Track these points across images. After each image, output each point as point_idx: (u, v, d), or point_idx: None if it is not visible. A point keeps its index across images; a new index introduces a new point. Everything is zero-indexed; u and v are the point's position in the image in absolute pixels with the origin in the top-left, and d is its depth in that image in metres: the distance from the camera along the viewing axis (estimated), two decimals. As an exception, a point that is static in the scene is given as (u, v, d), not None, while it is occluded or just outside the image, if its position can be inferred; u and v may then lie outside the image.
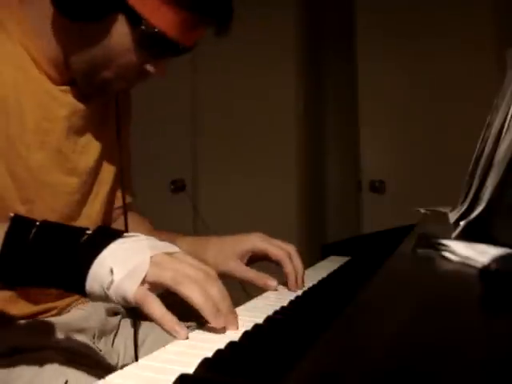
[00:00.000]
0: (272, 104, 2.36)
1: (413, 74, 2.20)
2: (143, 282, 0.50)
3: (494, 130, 0.67)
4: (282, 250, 0.75)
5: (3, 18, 0.69)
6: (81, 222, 0.79)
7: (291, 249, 0.76)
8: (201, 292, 0.49)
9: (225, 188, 2.39)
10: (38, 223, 0.54)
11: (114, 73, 0.71)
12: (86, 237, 0.53)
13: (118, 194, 0.90)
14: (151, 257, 0.51)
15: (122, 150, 0.83)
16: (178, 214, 2.38)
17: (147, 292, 0.50)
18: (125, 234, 0.54)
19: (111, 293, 0.50)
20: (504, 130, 0.63)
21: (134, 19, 0.66)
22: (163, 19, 0.66)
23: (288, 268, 0.73)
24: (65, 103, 0.74)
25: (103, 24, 0.66)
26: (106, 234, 0.54)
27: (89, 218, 0.81)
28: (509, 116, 0.63)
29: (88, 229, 0.54)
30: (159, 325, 0.48)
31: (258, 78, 2.37)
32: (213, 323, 0.49)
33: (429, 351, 0.31)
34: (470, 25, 2.11)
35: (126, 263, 0.50)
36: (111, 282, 0.49)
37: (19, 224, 0.54)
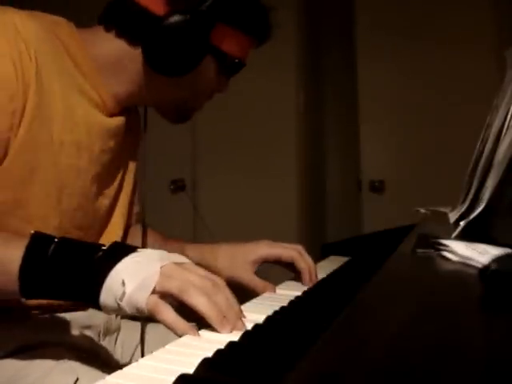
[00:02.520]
0: (272, 103, 2.35)
1: (413, 74, 2.20)
2: (153, 291, 0.51)
3: (493, 130, 0.67)
4: (293, 250, 0.80)
5: (78, 57, 0.73)
6: (104, 240, 0.83)
7: (300, 248, 0.81)
8: (207, 300, 0.51)
9: (225, 188, 2.39)
10: (56, 240, 0.57)
11: (198, 102, 0.82)
12: (101, 253, 0.55)
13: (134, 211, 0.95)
14: (161, 267, 0.53)
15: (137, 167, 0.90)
16: (178, 213, 2.38)
17: (158, 300, 0.51)
18: (138, 250, 0.56)
19: (124, 304, 0.52)
20: (504, 130, 0.63)
21: (220, 57, 0.76)
22: (238, 48, 0.77)
23: (301, 265, 0.78)
24: (102, 130, 0.77)
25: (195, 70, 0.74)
26: (120, 250, 0.56)
27: (112, 236, 0.84)
28: (509, 116, 0.63)
29: (104, 245, 0.57)
30: (172, 330, 0.50)
31: (257, 77, 2.36)
32: (220, 330, 0.50)
33: (429, 351, 0.31)
34: (470, 25, 2.11)
35: (136, 275, 0.52)
36: (123, 294, 0.51)
37: (39, 240, 0.57)
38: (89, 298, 0.54)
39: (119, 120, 0.80)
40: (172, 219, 2.31)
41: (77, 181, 0.73)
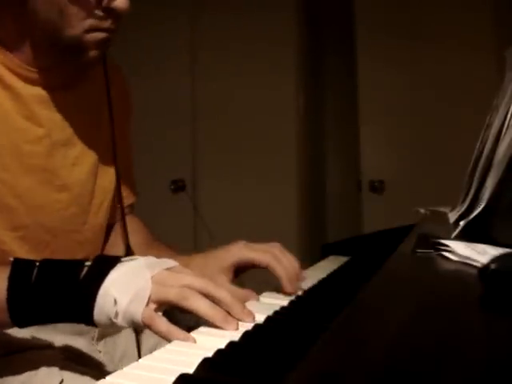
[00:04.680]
0: (272, 104, 2.35)
1: (412, 75, 2.20)
2: (148, 302, 0.51)
3: (493, 130, 0.67)
4: (268, 254, 0.70)
5: None
6: (86, 235, 0.79)
7: (277, 249, 0.71)
8: (206, 302, 0.51)
9: (225, 188, 2.39)
10: (37, 264, 0.55)
11: (76, 27, 0.64)
12: (85, 270, 0.54)
13: (124, 193, 0.88)
14: (152, 276, 0.52)
15: (116, 149, 0.81)
16: (177, 214, 2.38)
17: (153, 313, 0.51)
18: (122, 260, 0.55)
19: (119, 321, 0.51)
20: (503, 130, 0.63)
21: None
22: None
23: (278, 272, 0.68)
24: (42, 120, 0.71)
25: None
26: (105, 264, 0.54)
27: (94, 229, 0.81)
28: (508, 116, 0.63)
29: (87, 260, 0.55)
30: (167, 340, 0.49)
31: (257, 78, 2.37)
32: (226, 329, 0.50)
33: (428, 351, 0.31)
34: (469, 25, 2.11)
35: (128, 289, 0.51)
36: (117, 313, 0.51)
37: (20, 267, 0.56)
38: (81, 319, 0.54)
39: (36, 90, 0.70)
40: (172, 219, 2.31)
41: None
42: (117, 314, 0.51)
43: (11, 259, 0.56)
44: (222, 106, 2.42)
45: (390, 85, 2.25)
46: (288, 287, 0.68)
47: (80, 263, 0.55)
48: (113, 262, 0.55)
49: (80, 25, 0.64)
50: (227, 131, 2.41)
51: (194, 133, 2.45)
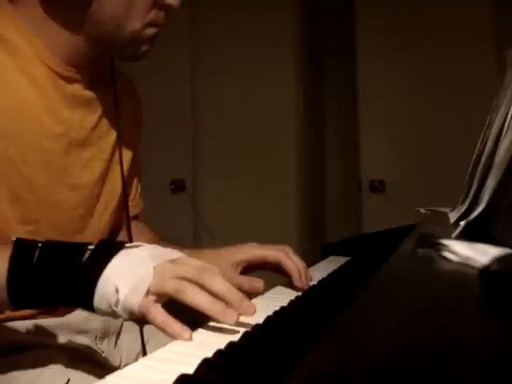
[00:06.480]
0: (272, 104, 2.36)
1: (413, 75, 2.20)
2: (148, 293, 0.51)
3: (493, 130, 0.67)
4: (279, 251, 0.75)
5: (8, 37, 0.67)
6: (87, 237, 0.79)
7: (288, 249, 0.76)
8: (205, 296, 0.50)
9: (225, 188, 2.39)
10: (40, 245, 0.55)
11: (138, 20, 0.68)
12: (88, 254, 0.53)
13: (131, 202, 0.90)
14: (154, 267, 0.52)
15: (122, 157, 0.81)
16: (178, 214, 2.38)
17: (150, 302, 0.50)
18: (126, 245, 0.55)
19: (119, 310, 0.51)
20: (504, 130, 0.63)
21: None
22: None
23: (289, 266, 0.73)
24: (62, 118, 0.72)
25: None
26: (108, 249, 0.54)
27: (95, 232, 0.81)
28: (509, 116, 0.63)
29: (90, 244, 0.55)
30: (162, 331, 0.49)
31: (257, 78, 2.37)
32: (226, 322, 0.49)
33: (429, 351, 0.31)
34: (470, 25, 2.11)
35: (129, 278, 0.51)
36: (118, 301, 0.50)
37: (22, 248, 0.55)
38: (82, 303, 0.53)
39: (75, 89, 0.72)
40: (172, 219, 2.31)
41: (9, 173, 0.68)
42: (117, 302, 0.50)
43: (13, 239, 0.55)
44: (222, 106, 2.42)
45: (390, 85, 2.25)
46: (298, 282, 0.72)
47: (83, 246, 0.54)
48: (116, 247, 0.54)
49: (141, 19, 0.68)
50: (227, 131, 2.41)
51: (194, 133, 2.45)
